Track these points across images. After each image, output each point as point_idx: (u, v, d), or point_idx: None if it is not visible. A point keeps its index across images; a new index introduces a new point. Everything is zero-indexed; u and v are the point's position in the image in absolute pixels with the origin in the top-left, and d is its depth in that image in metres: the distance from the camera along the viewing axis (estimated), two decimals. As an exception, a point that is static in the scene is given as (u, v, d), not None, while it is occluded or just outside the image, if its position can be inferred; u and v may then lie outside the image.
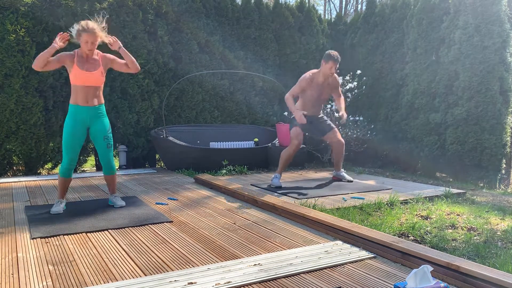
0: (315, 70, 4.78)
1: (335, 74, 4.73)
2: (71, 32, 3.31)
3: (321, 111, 5.01)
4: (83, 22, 3.26)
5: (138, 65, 3.49)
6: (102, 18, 3.34)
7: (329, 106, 6.69)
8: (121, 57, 3.50)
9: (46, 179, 4.96)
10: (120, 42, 3.49)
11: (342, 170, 5.03)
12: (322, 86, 4.71)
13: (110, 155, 3.52)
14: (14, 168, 5.78)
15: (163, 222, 3.05)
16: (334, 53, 4.57)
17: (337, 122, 6.09)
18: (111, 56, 3.47)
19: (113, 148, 4.16)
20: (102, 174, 5.30)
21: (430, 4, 6.31)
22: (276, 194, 4.15)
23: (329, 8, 22.17)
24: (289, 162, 4.75)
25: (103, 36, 3.35)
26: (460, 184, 5.29)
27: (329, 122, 4.91)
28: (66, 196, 3.85)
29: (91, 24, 3.26)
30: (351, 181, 4.92)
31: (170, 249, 2.47)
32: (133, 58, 3.47)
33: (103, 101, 3.48)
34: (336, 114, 6.53)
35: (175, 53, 6.45)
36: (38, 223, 2.96)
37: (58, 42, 3.24)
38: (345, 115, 4.73)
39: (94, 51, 3.35)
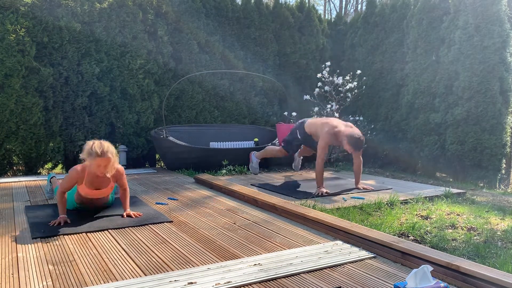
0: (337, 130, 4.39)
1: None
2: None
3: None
4: (97, 145, 2.99)
5: (128, 199, 3.30)
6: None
7: (329, 106, 6.70)
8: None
9: (46, 179, 4.95)
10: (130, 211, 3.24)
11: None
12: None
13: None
14: (14, 168, 5.78)
15: (163, 222, 3.05)
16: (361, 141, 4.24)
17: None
18: (122, 171, 3.23)
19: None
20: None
21: (430, 4, 6.31)
22: (276, 194, 4.15)
23: (329, 8, 22.18)
24: (268, 157, 5.27)
25: (116, 162, 3.11)
26: (460, 184, 5.29)
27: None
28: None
29: (105, 147, 3.00)
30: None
31: (170, 249, 2.47)
32: (127, 197, 3.28)
33: (109, 199, 3.39)
34: (336, 115, 6.54)
35: (175, 53, 6.45)
36: (38, 223, 2.95)
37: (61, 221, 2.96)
38: (366, 186, 4.53)
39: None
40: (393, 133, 6.88)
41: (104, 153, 2.96)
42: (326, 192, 4.16)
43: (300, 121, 4.95)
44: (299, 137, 4.84)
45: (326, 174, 5.56)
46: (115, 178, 3.21)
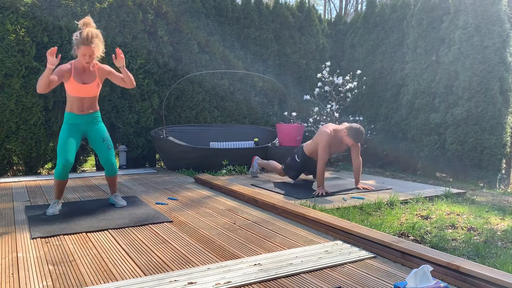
0: (334, 129, 4.42)
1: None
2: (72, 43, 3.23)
3: None
4: (84, 32, 3.11)
5: (134, 82, 3.45)
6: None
7: (329, 106, 6.69)
8: (117, 69, 3.43)
9: (46, 179, 4.96)
10: (124, 61, 3.39)
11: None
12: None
13: (112, 156, 3.52)
14: (14, 168, 5.78)
15: (163, 222, 3.05)
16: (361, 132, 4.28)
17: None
18: (108, 68, 3.41)
19: (113, 148, 4.14)
20: (102, 174, 5.33)
21: (430, 4, 6.31)
22: (276, 194, 4.15)
23: (329, 8, 22.19)
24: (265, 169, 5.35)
25: (102, 50, 3.25)
26: (460, 184, 5.29)
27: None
28: (64, 196, 3.86)
29: (92, 34, 3.12)
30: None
31: (170, 249, 2.47)
32: (131, 76, 3.42)
33: (98, 108, 3.47)
34: (336, 115, 6.54)
35: (175, 53, 6.45)
36: (38, 223, 2.96)
37: (51, 59, 2.99)
38: (366, 186, 4.53)
39: (91, 64, 3.30)
40: (393, 133, 6.88)
41: (88, 41, 3.10)
42: (326, 193, 4.17)
43: (299, 147, 4.84)
44: (298, 160, 4.69)
45: (326, 174, 5.56)
46: (101, 74, 3.36)
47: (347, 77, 6.82)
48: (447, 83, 6.02)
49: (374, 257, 2.36)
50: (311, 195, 4.07)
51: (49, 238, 2.65)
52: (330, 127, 4.40)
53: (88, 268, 2.18)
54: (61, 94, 5.64)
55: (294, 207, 3.23)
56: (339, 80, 6.71)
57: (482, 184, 5.65)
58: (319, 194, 4.13)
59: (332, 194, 4.19)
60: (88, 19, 3.25)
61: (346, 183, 4.84)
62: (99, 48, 3.22)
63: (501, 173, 5.76)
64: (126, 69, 3.41)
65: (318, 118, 6.77)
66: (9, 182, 4.73)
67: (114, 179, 3.59)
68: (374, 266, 2.23)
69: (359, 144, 4.42)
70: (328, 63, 6.96)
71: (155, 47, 6.21)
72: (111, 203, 3.59)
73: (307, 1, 8.16)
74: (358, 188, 4.46)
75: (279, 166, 5.02)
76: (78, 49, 3.17)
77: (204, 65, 6.62)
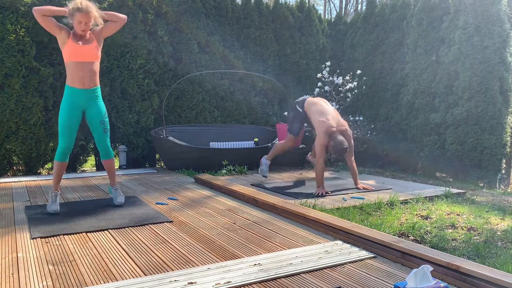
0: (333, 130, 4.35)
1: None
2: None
3: None
4: (78, 1, 3.13)
5: (121, 15, 3.40)
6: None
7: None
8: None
9: (46, 179, 4.96)
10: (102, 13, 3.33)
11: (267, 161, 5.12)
12: None
13: (107, 139, 3.50)
14: (14, 168, 5.78)
15: (163, 222, 3.05)
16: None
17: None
18: (98, 28, 3.36)
19: (113, 149, 4.15)
20: (102, 174, 5.33)
21: (430, 4, 6.31)
22: (276, 194, 4.15)
23: (329, 8, 22.19)
24: (279, 154, 5.01)
25: (98, 17, 3.24)
26: (460, 184, 5.29)
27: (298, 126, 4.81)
28: (64, 196, 3.86)
29: (86, 2, 3.14)
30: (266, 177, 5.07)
31: (170, 249, 2.47)
32: (113, 12, 3.40)
33: (98, 83, 3.42)
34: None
35: (175, 53, 6.45)
36: (38, 223, 2.96)
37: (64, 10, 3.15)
38: (365, 186, 4.52)
39: (87, 32, 3.27)
40: (393, 133, 6.88)
41: (83, 8, 3.11)
42: (326, 192, 4.17)
43: (301, 98, 4.80)
44: (300, 110, 4.63)
45: (326, 174, 5.55)
46: (96, 36, 3.33)
47: (347, 77, 6.82)
48: (447, 83, 6.02)
49: (374, 257, 2.36)
50: (311, 195, 4.07)
51: (49, 238, 2.65)
52: (330, 119, 4.29)
53: (88, 268, 2.18)
54: (61, 94, 5.63)
55: (294, 207, 3.23)
56: (339, 80, 6.71)
57: (482, 184, 5.65)
58: (319, 194, 4.12)
59: (332, 194, 4.19)
60: None
61: (346, 183, 4.84)
62: (95, 14, 3.21)
63: (501, 173, 5.77)
64: (107, 12, 3.38)
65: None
66: (9, 182, 4.73)
67: (111, 163, 3.55)
68: (374, 266, 2.23)
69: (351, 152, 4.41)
70: (328, 63, 6.97)
71: (155, 47, 6.21)
72: (110, 204, 3.59)
73: (307, 1, 8.17)
74: (358, 188, 4.46)
75: (283, 140, 4.92)
76: (73, 17, 3.16)
77: (204, 65, 6.62)
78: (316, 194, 4.13)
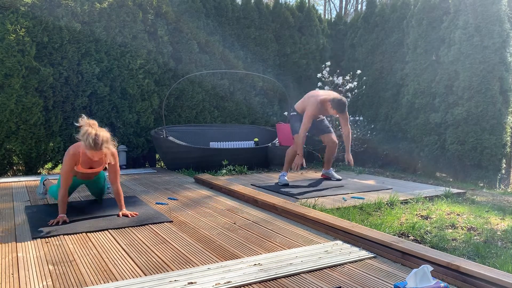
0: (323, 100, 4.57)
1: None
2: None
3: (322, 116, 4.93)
4: (92, 137, 2.86)
5: (120, 190, 3.28)
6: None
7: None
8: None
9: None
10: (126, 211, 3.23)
11: (331, 168, 5.12)
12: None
13: (101, 195, 3.73)
14: (14, 168, 5.78)
15: (163, 222, 3.05)
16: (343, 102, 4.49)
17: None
18: (116, 155, 3.16)
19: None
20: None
21: (430, 4, 6.31)
22: (276, 194, 4.15)
23: (329, 8, 22.18)
24: (292, 159, 4.92)
25: (109, 155, 3.05)
26: (460, 184, 5.29)
27: (327, 124, 4.95)
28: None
29: (100, 139, 2.89)
30: (340, 180, 4.98)
31: (170, 249, 2.47)
32: (122, 198, 3.27)
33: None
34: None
35: (175, 53, 6.45)
36: (38, 223, 2.95)
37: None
38: (351, 160, 4.64)
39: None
40: (393, 133, 6.88)
41: (97, 147, 2.91)
42: (302, 165, 4.45)
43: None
44: (296, 113, 4.77)
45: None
46: (109, 159, 3.16)
47: (347, 77, 6.82)
48: (447, 83, 6.02)
49: (374, 257, 2.36)
50: (294, 170, 4.28)
51: (49, 238, 2.65)
52: (319, 97, 4.54)
53: (88, 268, 2.18)
54: (61, 94, 5.64)
55: (294, 207, 3.22)
56: (339, 80, 6.71)
57: (482, 184, 5.65)
58: (297, 164, 4.42)
59: (332, 194, 4.19)
60: (93, 121, 3.03)
61: (346, 183, 4.84)
62: (108, 152, 3.00)
63: (501, 173, 5.76)
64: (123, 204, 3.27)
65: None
66: (9, 182, 4.73)
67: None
68: (374, 266, 2.23)
69: (346, 113, 4.58)
70: (328, 63, 6.96)
71: (155, 47, 6.21)
72: (111, 204, 3.59)
73: (307, 1, 8.17)
74: (349, 163, 4.61)
75: (291, 146, 4.87)
76: (87, 150, 2.93)
77: (204, 65, 6.62)
78: (296, 163, 4.43)
